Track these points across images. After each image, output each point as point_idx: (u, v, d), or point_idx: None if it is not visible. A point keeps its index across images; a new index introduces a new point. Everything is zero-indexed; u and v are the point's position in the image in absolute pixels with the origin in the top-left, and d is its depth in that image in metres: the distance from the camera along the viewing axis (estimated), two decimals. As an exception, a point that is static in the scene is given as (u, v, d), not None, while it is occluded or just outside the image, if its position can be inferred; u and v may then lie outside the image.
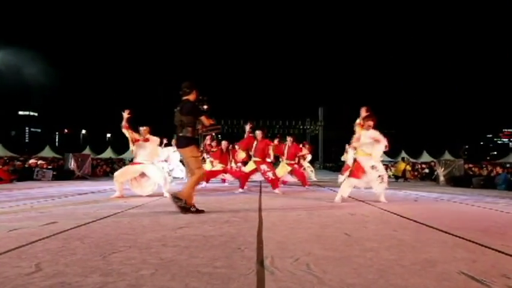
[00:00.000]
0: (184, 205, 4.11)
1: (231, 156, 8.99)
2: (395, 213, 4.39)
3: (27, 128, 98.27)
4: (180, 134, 4.27)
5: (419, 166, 17.01)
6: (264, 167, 7.43)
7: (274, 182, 7.40)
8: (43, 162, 12.08)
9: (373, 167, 5.59)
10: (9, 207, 4.63)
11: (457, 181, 10.73)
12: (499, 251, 2.53)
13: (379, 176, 5.63)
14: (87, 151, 31.88)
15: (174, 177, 11.99)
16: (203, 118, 4.34)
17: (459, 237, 3.02)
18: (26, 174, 10.99)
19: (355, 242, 2.80)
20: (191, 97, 4.39)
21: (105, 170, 15.81)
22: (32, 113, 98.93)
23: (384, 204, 5.36)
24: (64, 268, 2.01)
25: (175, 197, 4.15)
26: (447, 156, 29.29)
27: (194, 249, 2.49)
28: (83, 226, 3.31)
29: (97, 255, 2.29)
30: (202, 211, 4.18)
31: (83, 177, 12.50)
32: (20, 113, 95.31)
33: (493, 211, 4.93)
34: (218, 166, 8.83)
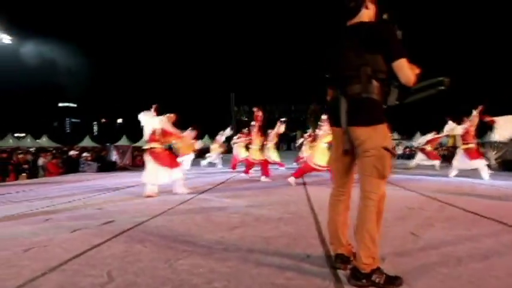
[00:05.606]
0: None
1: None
2: (467, 210, 4.11)
3: (67, 119, 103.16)
4: (362, 94, 1.88)
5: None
6: None
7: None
8: (87, 155, 12.57)
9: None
10: (62, 204, 4.78)
11: (511, 166, 10.00)
12: None
13: None
14: (124, 140, 32.99)
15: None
16: (404, 62, 1.82)
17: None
18: (72, 167, 11.53)
19: (422, 241, 2.61)
20: (366, 17, 1.99)
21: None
22: (71, 105, 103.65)
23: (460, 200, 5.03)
24: (135, 278, 1.99)
25: (356, 273, 1.87)
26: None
27: (258, 254, 2.40)
28: (140, 226, 3.33)
29: (162, 261, 2.27)
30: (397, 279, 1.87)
31: (124, 168, 12.91)
32: (60, 104, 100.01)
33: None
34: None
